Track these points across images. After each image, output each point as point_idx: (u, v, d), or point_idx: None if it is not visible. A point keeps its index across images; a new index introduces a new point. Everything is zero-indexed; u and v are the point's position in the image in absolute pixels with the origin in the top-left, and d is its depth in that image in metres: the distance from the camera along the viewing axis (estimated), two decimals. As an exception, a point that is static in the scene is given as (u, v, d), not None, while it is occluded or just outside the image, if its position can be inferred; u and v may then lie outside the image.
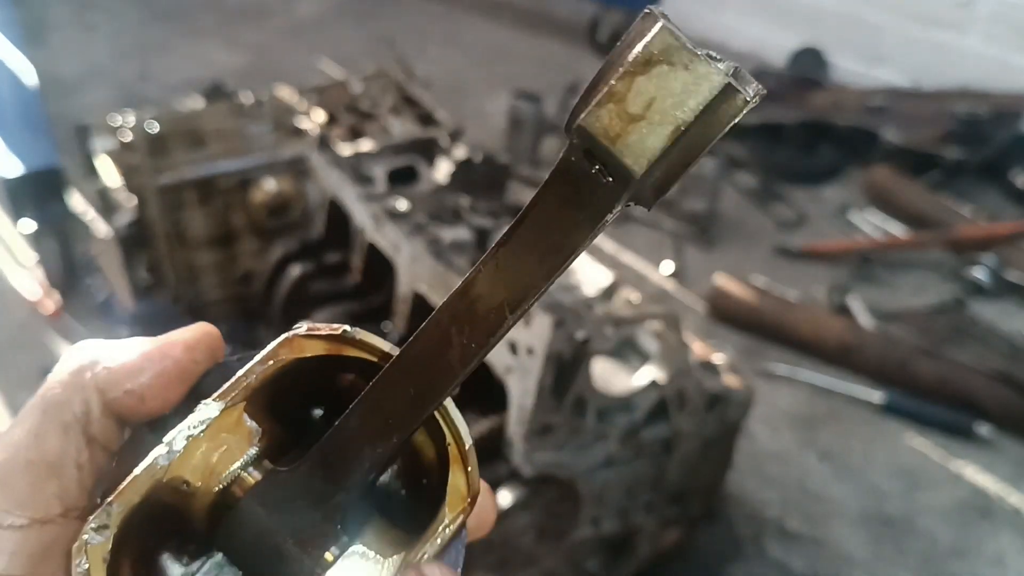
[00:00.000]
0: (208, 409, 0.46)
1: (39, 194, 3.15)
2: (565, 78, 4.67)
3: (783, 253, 3.89)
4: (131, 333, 0.55)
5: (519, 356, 1.88)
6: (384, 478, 0.50)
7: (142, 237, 2.66)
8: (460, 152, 2.74)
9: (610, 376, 2.12)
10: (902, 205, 4.10)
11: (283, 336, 0.47)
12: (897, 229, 4.02)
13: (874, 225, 4.08)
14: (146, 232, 2.65)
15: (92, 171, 2.80)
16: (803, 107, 4.64)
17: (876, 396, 3.08)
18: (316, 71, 4.93)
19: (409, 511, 0.49)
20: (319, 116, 2.85)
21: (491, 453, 1.99)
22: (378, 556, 0.46)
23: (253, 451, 0.47)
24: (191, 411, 0.46)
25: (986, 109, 4.32)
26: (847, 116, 4.53)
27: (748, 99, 0.36)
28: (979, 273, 3.61)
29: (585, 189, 0.38)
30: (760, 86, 0.36)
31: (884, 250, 3.86)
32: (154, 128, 2.57)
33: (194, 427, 0.45)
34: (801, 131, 4.49)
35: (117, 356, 0.47)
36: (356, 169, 2.56)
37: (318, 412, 0.51)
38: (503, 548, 2.03)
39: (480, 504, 0.47)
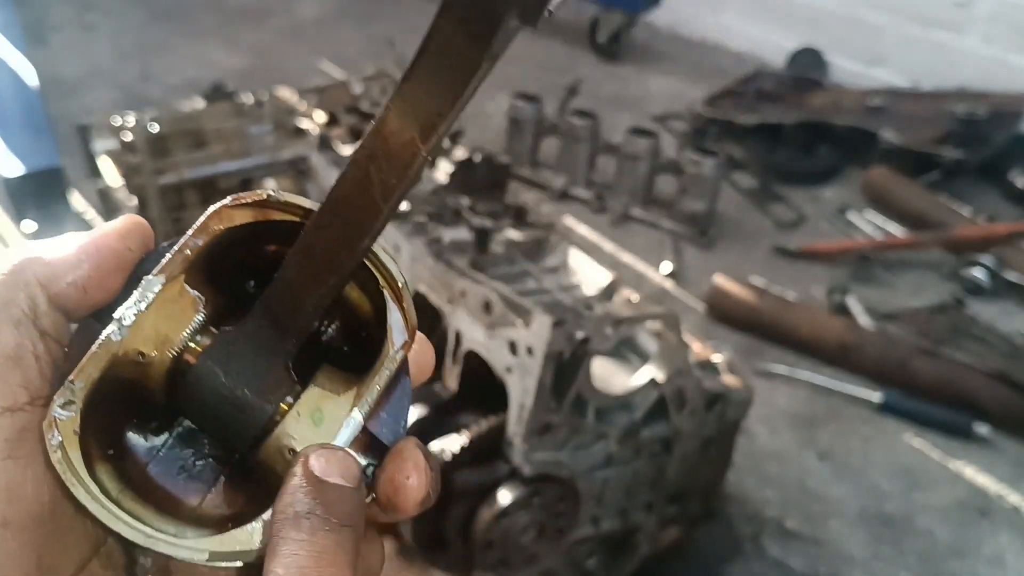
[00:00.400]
0: (151, 283, 0.48)
1: (40, 194, 3.15)
2: (565, 79, 4.67)
3: (782, 253, 3.89)
4: None
5: (519, 356, 1.89)
6: (326, 337, 0.53)
7: (143, 237, 2.66)
8: (460, 152, 2.75)
9: (610, 376, 2.12)
10: (901, 205, 4.11)
11: (212, 208, 0.49)
12: (896, 229, 4.03)
13: (873, 225, 4.09)
14: (147, 232, 2.65)
15: (93, 171, 2.80)
16: (802, 107, 4.65)
17: (875, 396, 3.08)
18: (317, 72, 4.94)
19: (353, 362, 0.51)
20: (320, 117, 2.86)
21: (491, 453, 2.00)
22: (332, 394, 0.49)
23: (199, 318, 0.49)
24: None
25: (985, 109, 4.33)
26: (846, 116, 4.54)
27: None
28: (978, 273, 3.62)
29: (476, 5, 0.41)
30: None
31: (883, 250, 3.87)
32: (155, 128, 2.57)
33: (140, 301, 0.47)
34: (800, 131, 4.50)
35: (54, 252, 0.48)
36: (356, 169, 2.56)
37: (254, 285, 0.53)
38: (503, 547, 2.03)
39: (419, 350, 0.51)
